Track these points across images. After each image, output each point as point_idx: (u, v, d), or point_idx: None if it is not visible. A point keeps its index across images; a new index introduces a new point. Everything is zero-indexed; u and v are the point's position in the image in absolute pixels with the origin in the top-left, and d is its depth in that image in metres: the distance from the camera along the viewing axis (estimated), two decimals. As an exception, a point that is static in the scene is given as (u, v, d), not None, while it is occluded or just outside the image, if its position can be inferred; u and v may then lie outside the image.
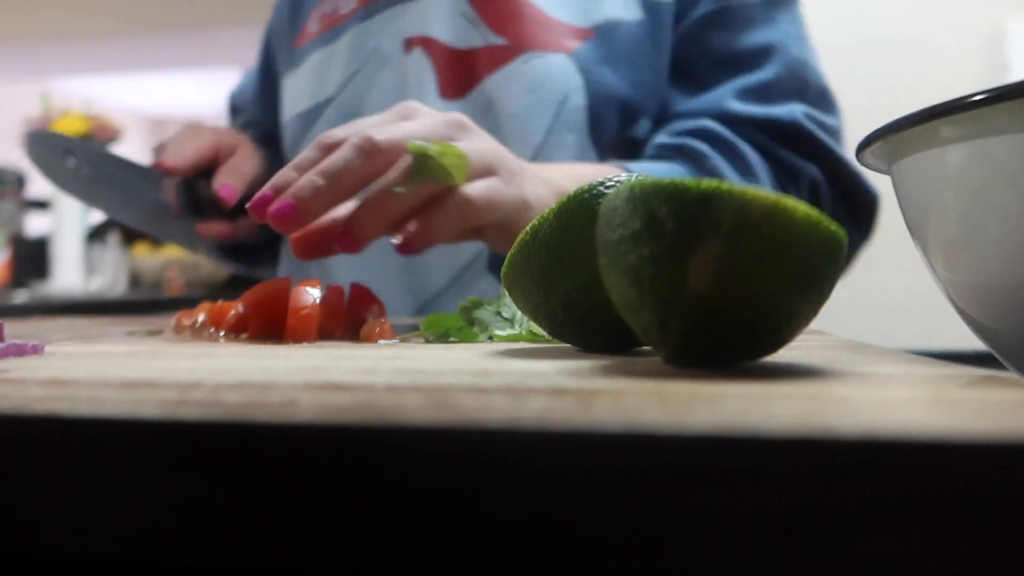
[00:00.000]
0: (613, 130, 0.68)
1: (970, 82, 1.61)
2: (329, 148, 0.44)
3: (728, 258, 0.22)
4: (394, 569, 0.16)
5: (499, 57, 0.68)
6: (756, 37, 0.69)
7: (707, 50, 0.70)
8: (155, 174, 0.66)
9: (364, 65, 0.74)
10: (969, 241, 0.27)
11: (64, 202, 2.44)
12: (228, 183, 0.68)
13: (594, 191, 0.29)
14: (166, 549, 0.17)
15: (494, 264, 0.68)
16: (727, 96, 0.68)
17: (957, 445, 0.14)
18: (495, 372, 0.24)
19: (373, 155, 0.43)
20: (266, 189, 0.43)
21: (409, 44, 0.72)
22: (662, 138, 0.67)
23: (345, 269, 0.73)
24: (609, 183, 0.29)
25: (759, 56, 0.69)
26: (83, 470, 0.17)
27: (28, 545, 0.18)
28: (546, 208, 0.47)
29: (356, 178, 0.43)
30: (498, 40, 0.68)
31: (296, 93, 0.79)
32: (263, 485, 0.17)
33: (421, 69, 0.70)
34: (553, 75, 0.66)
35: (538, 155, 0.67)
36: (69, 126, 2.46)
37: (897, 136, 0.29)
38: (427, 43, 0.71)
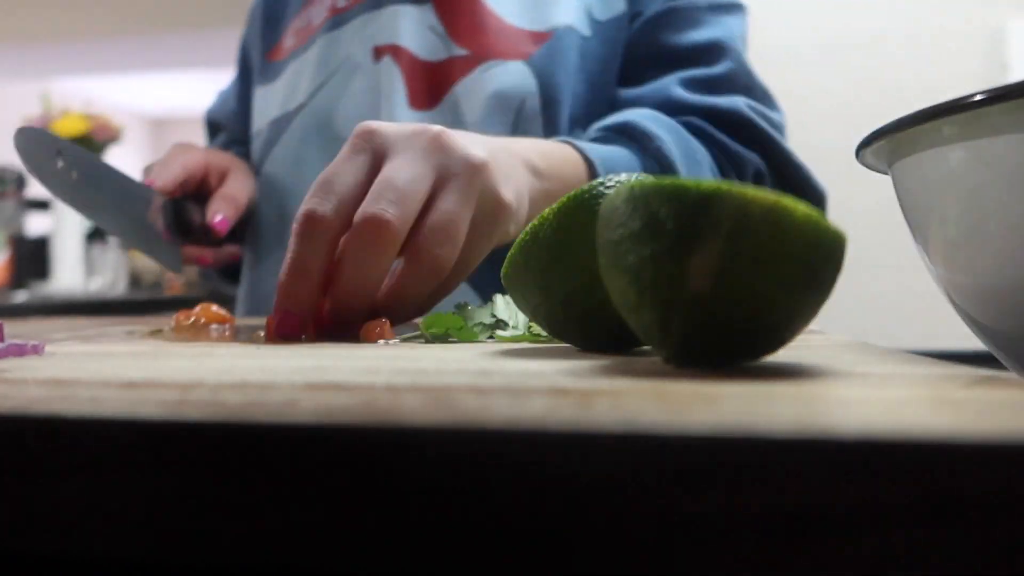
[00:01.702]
0: (567, 133, 0.69)
1: (970, 82, 1.61)
2: (311, 226, 0.39)
3: (728, 258, 0.22)
4: (394, 569, 0.16)
5: (462, 67, 0.69)
6: (703, 34, 0.71)
7: (655, 48, 0.71)
8: (145, 190, 0.64)
9: (335, 73, 0.74)
10: (969, 241, 0.27)
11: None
12: (222, 213, 0.66)
13: (594, 191, 0.29)
14: (166, 549, 0.17)
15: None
16: (671, 84, 0.69)
17: (957, 445, 0.14)
18: (495, 372, 0.24)
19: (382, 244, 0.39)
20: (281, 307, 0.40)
21: (379, 52, 0.72)
22: (604, 122, 0.67)
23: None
24: (609, 183, 0.29)
25: (706, 52, 0.70)
26: (83, 470, 0.17)
27: (28, 545, 0.18)
28: (522, 197, 0.46)
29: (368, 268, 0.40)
30: (461, 51, 0.70)
31: (267, 104, 0.79)
32: (263, 485, 0.17)
33: (392, 78, 0.71)
34: (510, 82, 0.68)
35: None
36: (69, 126, 2.47)
37: (897, 136, 0.29)
38: (396, 51, 0.72)
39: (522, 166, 0.50)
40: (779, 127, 0.71)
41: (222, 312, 0.49)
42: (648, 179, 0.24)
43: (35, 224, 2.81)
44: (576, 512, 0.15)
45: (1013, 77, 1.59)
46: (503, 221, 0.45)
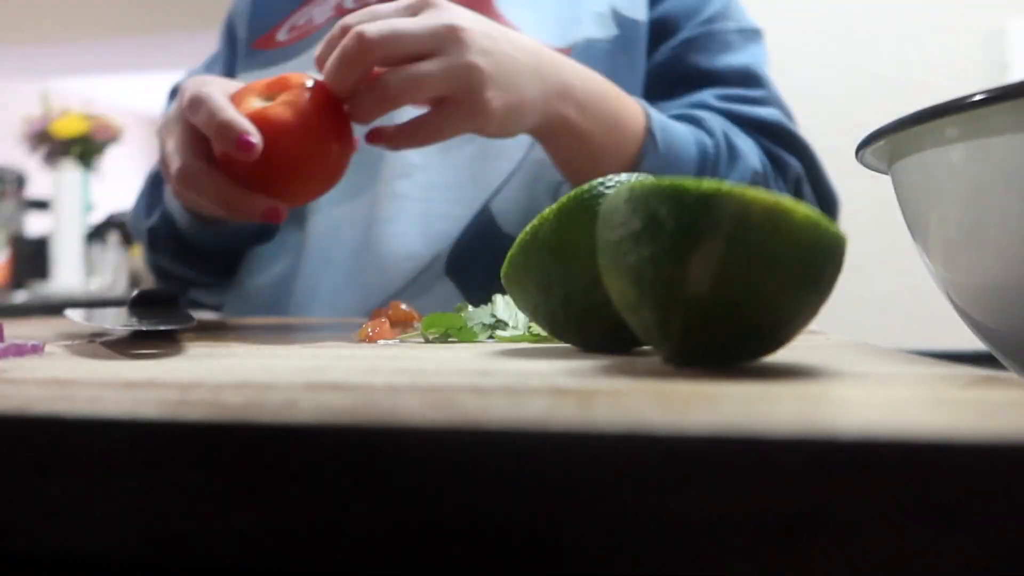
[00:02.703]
0: None
1: (970, 82, 1.61)
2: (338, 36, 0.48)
3: (728, 258, 0.22)
4: (394, 569, 0.16)
5: None
6: (736, 59, 0.73)
7: (687, 69, 0.72)
8: None
9: None
10: (969, 241, 0.27)
11: (64, 202, 2.44)
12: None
13: (594, 191, 0.29)
14: (166, 549, 0.17)
15: (452, 267, 0.68)
16: (707, 97, 0.70)
17: (957, 445, 0.14)
18: (495, 372, 0.24)
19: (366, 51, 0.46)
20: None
21: None
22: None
23: (301, 275, 0.72)
24: (609, 183, 0.29)
25: (740, 76, 0.72)
26: (83, 470, 0.17)
27: (28, 545, 0.18)
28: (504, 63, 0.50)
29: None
30: None
31: None
32: (263, 485, 0.17)
33: None
34: None
35: (519, 168, 0.68)
36: (69, 126, 2.46)
37: (897, 136, 0.29)
38: None
39: (538, 84, 0.53)
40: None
41: (411, 311, 0.47)
42: (648, 179, 0.24)
43: (35, 224, 2.81)
44: (576, 512, 0.15)
45: (1013, 77, 1.59)
46: (475, 118, 0.50)
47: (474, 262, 0.68)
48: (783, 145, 0.69)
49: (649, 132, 0.61)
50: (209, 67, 0.92)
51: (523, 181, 0.69)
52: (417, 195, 0.70)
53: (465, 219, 0.69)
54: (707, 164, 0.64)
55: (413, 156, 0.70)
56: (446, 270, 0.68)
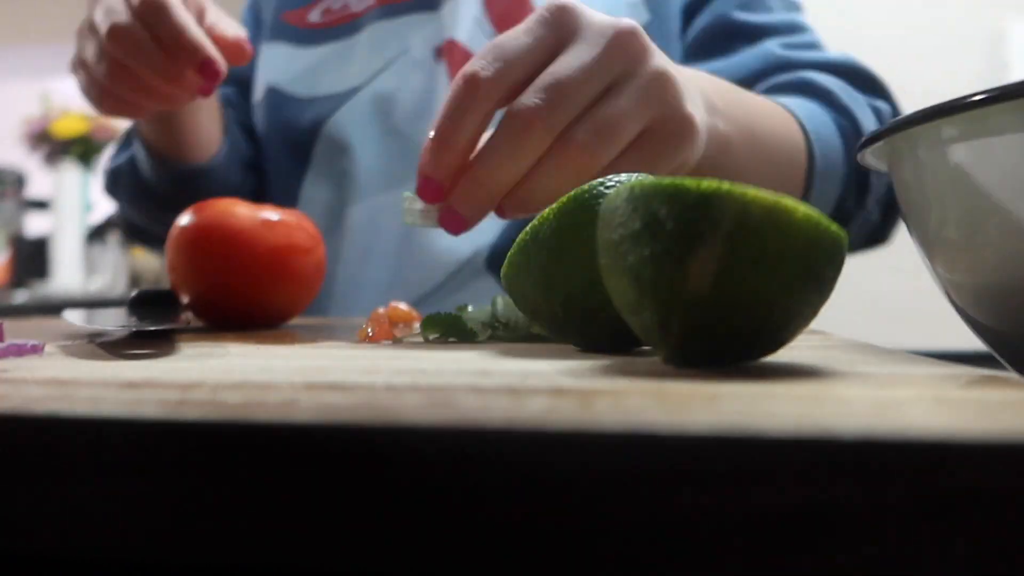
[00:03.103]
0: None
1: (970, 82, 1.61)
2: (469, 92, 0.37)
3: (728, 258, 0.22)
4: (394, 569, 0.16)
5: None
6: (781, 16, 0.71)
7: (740, 25, 0.70)
8: None
9: (394, 61, 0.75)
10: (969, 241, 0.27)
11: (64, 202, 2.44)
12: (219, 31, 0.59)
13: (594, 191, 0.29)
14: (166, 549, 0.17)
15: (492, 262, 0.68)
16: (772, 48, 0.67)
17: (957, 445, 0.14)
18: (495, 372, 0.24)
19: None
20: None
21: (439, 53, 0.74)
22: (766, 84, 0.66)
23: (341, 266, 0.72)
24: (609, 183, 0.29)
25: (790, 27, 0.70)
26: (83, 470, 0.17)
27: (28, 545, 0.18)
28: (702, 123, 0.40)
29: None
30: None
31: (288, 65, 0.79)
32: (263, 485, 0.17)
33: (448, 81, 0.72)
34: None
35: None
36: (69, 126, 2.46)
37: (897, 136, 0.29)
38: (452, 49, 0.73)
39: (699, 95, 0.44)
40: None
41: (410, 311, 0.45)
42: (648, 179, 0.24)
43: (35, 224, 2.81)
44: (576, 512, 0.15)
45: (1013, 77, 1.59)
46: (688, 139, 0.39)
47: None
48: (867, 89, 0.66)
49: (798, 121, 0.57)
50: None
51: None
52: None
53: None
54: (849, 144, 0.61)
55: None
56: (486, 265, 0.68)
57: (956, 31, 1.66)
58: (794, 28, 0.70)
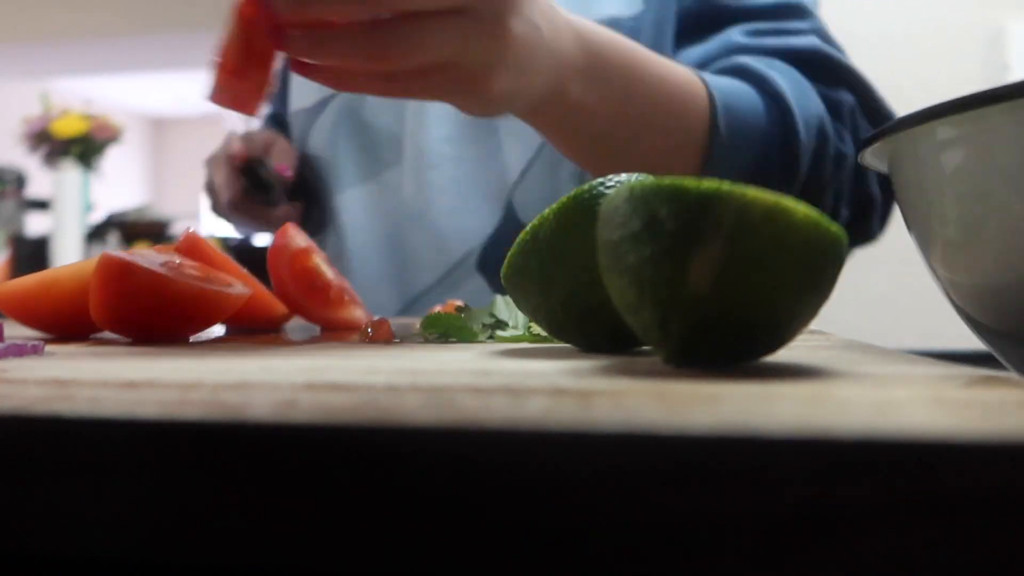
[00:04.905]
0: None
1: (970, 82, 1.61)
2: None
3: (728, 258, 0.22)
4: (394, 570, 0.16)
5: None
6: None
7: (717, 9, 0.67)
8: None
9: None
10: (969, 241, 0.27)
11: (64, 202, 2.44)
12: (282, 162, 0.76)
13: (594, 191, 0.29)
14: (166, 549, 0.17)
15: (484, 263, 0.68)
16: (736, 36, 0.65)
17: (957, 445, 0.14)
18: (495, 372, 0.24)
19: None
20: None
21: None
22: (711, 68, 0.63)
23: (334, 265, 0.73)
24: (609, 183, 0.29)
25: (772, 10, 0.66)
26: (83, 470, 0.17)
27: (28, 545, 0.18)
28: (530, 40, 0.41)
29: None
30: None
31: (301, 85, 0.82)
32: (263, 485, 0.17)
33: None
34: None
35: (540, 153, 0.67)
36: (69, 126, 2.46)
37: (897, 136, 0.29)
38: None
39: (546, 58, 0.45)
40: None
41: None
42: (648, 179, 0.24)
43: (35, 224, 2.81)
44: (575, 512, 0.15)
45: (1013, 77, 1.59)
46: (472, 96, 0.42)
47: (503, 256, 0.67)
48: (828, 79, 0.63)
49: (712, 107, 0.55)
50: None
51: (543, 169, 0.67)
52: (449, 188, 0.70)
53: (497, 214, 0.68)
54: (776, 128, 0.58)
55: (442, 145, 0.70)
56: (478, 266, 0.68)
57: (956, 31, 1.66)
58: (783, 11, 0.66)
